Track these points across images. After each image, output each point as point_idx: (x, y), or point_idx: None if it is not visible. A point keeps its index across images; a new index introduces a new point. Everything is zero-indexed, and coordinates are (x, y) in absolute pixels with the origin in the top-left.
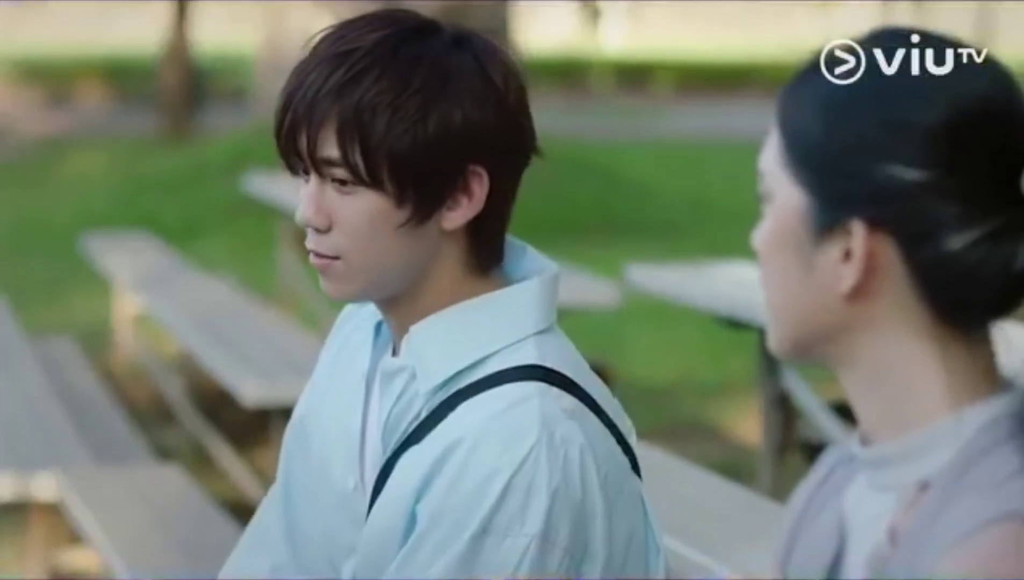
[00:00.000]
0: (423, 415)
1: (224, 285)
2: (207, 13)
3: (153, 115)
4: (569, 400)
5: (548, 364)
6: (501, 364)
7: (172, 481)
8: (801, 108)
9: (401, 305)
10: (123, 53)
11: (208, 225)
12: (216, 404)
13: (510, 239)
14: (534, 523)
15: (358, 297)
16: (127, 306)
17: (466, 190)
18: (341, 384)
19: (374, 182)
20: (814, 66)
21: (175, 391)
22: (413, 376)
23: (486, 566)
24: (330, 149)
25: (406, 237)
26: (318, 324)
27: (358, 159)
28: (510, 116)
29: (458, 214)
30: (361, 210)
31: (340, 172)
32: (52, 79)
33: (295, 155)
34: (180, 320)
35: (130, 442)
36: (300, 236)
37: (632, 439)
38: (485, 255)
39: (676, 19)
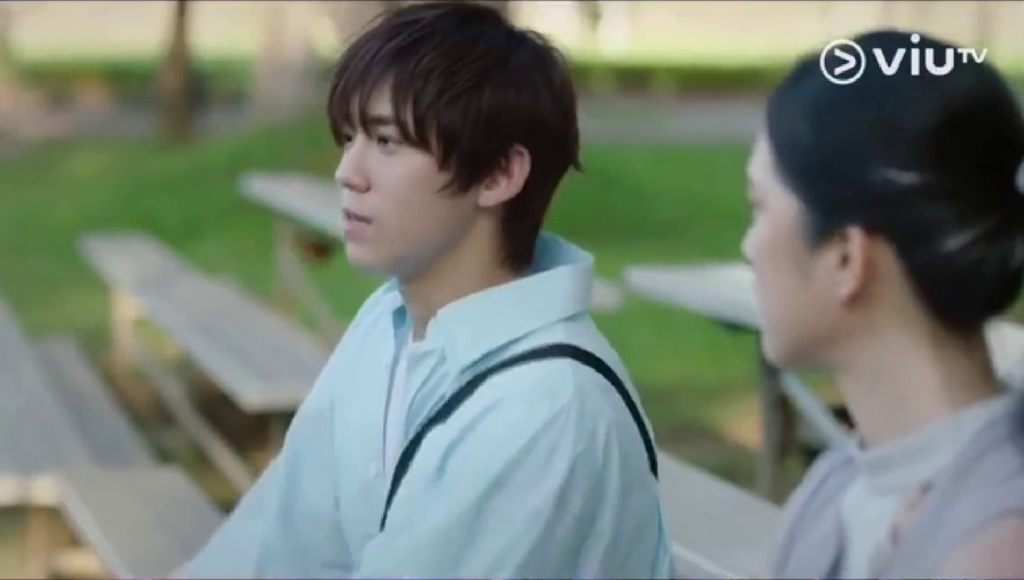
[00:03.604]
0: (448, 396)
1: (224, 287)
2: (207, 14)
3: (153, 117)
4: (601, 379)
5: (579, 345)
6: (530, 345)
7: (172, 483)
8: (789, 115)
9: (426, 286)
10: (123, 54)
11: (208, 227)
12: (216, 406)
13: (544, 235)
14: (553, 483)
15: (384, 265)
16: (127, 308)
17: (507, 171)
18: (366, 374)
19: (421, 142)
20: (800, 72)
21: (175, 393)
22: (442, 359)
23: (498, 519)
24: (382, 108)
25: (442, 206)
26: (318, 326)
27: (409, 117)
28: (561, 113)
29: (495, 193)
30: (403, 171)
31: (389, 130)
32: (52, 80)
33: (345, 118)
34: (180, 322)
35: (130, 444)
36: (300, 238)
37: (652, 438)
38: (515, 248)
39: (676, 21)
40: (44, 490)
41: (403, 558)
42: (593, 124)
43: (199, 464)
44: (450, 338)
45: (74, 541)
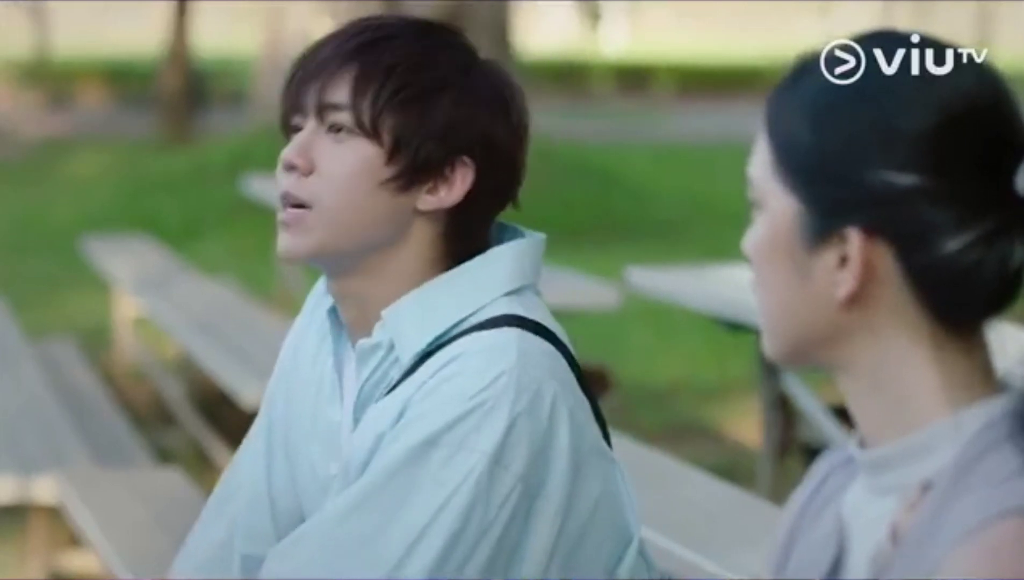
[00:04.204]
0: (396, 379)
1: (224, 287)
2: (207, 14)
3: (153, 117)
4: (548, 347)
5: (524, 314)
6: (476, 320)
7: (172, 483)
8: (789, 115)
9: (357, 285)
10: (123, 54)
11: (208, 227)
12: (216, 406)
13: (496, 223)
14: (487, 442)
15: (314, 254)
16: (127, 308)
17: (450, 180)
18: (309, 374)
19: (373, 133)
20: (800, 72)
21: (175, 393)
22: (390, 349)
23: (431, 478)
24: (340, 95)
25: (381, 201)
26: None
27: (365, 107)
28: (514, 139)
29: (434, 199)
30: (349, 158)
31: (343, 117)
32: (52, 80)
33: (297, 107)
34: (180, 322)
35: (130, 444)
36: None
37: (601, 411)
38: (454, 257)
39: (676, 21)
40: (44, 490)
41: (330, 522)
42: (593, 124)
43: (199, 464)
44: (397, 330)
45: (74, 541)
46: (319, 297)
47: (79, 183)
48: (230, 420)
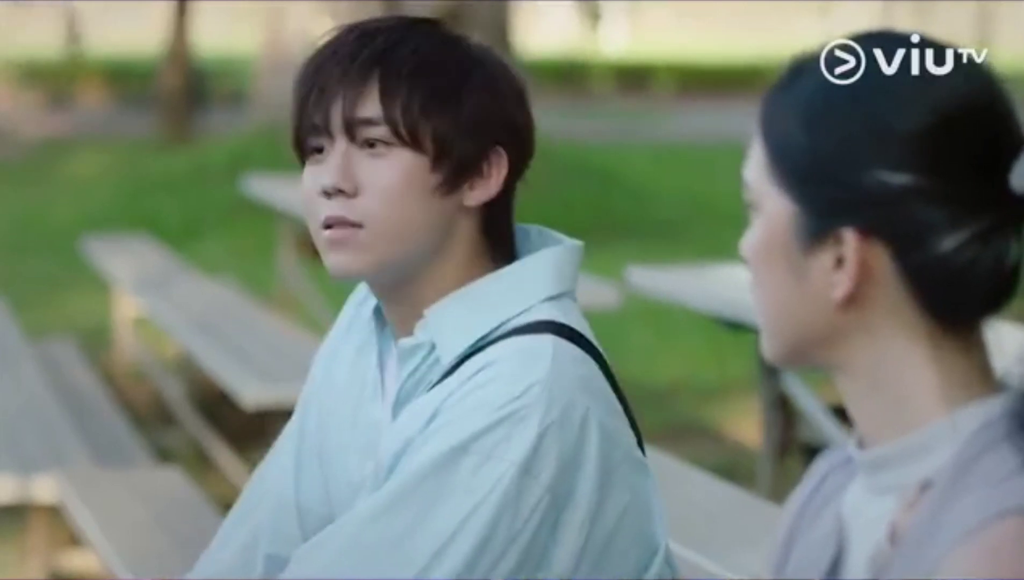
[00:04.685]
0: (435, 381)
1: (224, 287)
2: (207, 14)
3: (153, 117)
4: (581, 353)
5: (562, 321)
6: (514, 324)
7: (172, 483)
8: (783, 116)
9: (407, 289)
10: (123, 54)
11: (208, 227)
12: (216, 406)
13: (530, 226)
14: (517, 451)
15: (369, 272)
16: (127, 307)
17: (487, 171)
18: (351, 374)
19: (412, 141)
20: (794, 73)
21: (175, 393)
22: (431, 349)
23: (460, 485)
24: (370, 110)
25: (432, 207)
26: (318, 326)
27: (399, 117)
28: (527, 116)
29: (477, 193)
30: (394, 171)
31: (378, 131)
32: (52, 80)
33: (318, 127)
34: (180, 322)
35: (130, 444)
36: (300, 238)
37: (635, 418)
38: (493, 246)
39: (676, 21)
40: (44, 490)
41: (358, 523)
42: (593, 124)
43: (199, 464)
44: (439, 331)
45: (74, 541)
46: (357, 305)
47: (79, 183)
48: (230, 420)
